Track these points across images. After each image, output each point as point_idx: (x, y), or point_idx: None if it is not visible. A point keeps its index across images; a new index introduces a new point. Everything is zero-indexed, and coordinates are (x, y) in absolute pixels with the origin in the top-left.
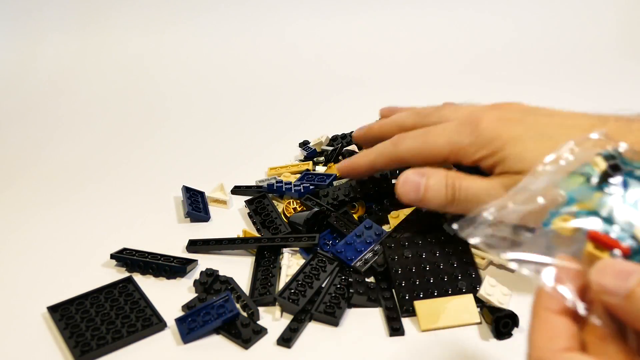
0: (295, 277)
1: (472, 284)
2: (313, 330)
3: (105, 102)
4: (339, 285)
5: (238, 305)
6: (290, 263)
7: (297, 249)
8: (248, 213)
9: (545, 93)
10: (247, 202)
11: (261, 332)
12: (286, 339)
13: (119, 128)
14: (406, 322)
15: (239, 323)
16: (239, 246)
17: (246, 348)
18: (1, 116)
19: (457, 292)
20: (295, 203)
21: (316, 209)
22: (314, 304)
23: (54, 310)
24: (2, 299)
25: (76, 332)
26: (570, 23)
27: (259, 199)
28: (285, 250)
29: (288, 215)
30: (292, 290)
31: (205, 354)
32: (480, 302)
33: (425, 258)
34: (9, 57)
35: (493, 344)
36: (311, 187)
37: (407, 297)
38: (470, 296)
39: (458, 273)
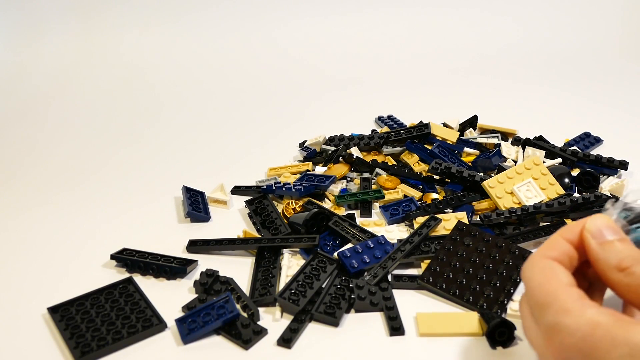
0: (295, 278)
1: (498, 299)
2: (313, 331)
3: (106, 102)
4: (339, 286)
5: (238, 306)
6: (291, 264)
7: (297, 249)
8: (248, 213)
9: (546, 93)
10: (247, 202)
11: (261, 332)
12: (286, 339)
13: (119, 128)
14: (406, 322)
15: (239, 324)
16: (239, 246)
17: (246, 348)
18: (1, 116)
19: (485, 298)
20: (294, 204)
21: (316, 210)
22: (314, 305)
23: (54, 311)
24: (3, 299)
25: (76, 333)
26: (571, 24)
27: (259, 199)
28: (285, 250)
29: (288, 215)
30: (293, 291)
31: (205, 355)
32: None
33: (472, 261)
34: (8, 57)
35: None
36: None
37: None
38: (475, 314)
39: (496, 281)
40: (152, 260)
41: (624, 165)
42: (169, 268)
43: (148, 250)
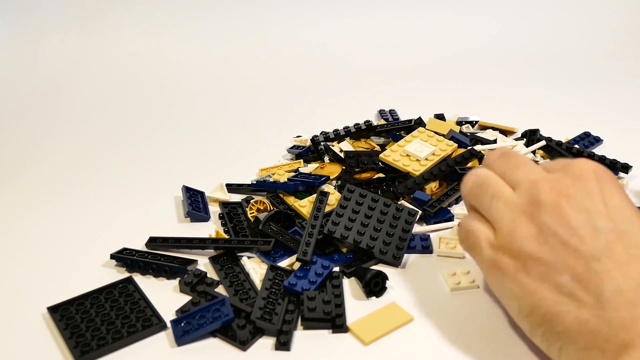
0: (261, 295)
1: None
2: (312, 331)
3: (105, 102)
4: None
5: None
6: (254, 266)
7: (254, 253)
8: (219, 214)
9: (546, 92)
10: (221, 204)
11: (258, 333)
12: (283, 343)
13: (118, 128)
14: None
15: (235, 325)
16: (197, 246)
17: (244, 350)
18: (1, 116)
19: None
20: (260, 203)
21: (275, 210)
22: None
23: (54, 310)
24: (2, 299)
25: (76, 333)
26: (573, 23)
27: (234, 205)
28: (244, 259)
29: (251, 214)
30: (264, 309)
31: (204, 355)
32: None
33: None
34: (9, 57)
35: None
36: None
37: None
38: (394, 302)
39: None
40: (152, 260)
41: (626, 169)
42: (169, 267)
43: (148, 250)
